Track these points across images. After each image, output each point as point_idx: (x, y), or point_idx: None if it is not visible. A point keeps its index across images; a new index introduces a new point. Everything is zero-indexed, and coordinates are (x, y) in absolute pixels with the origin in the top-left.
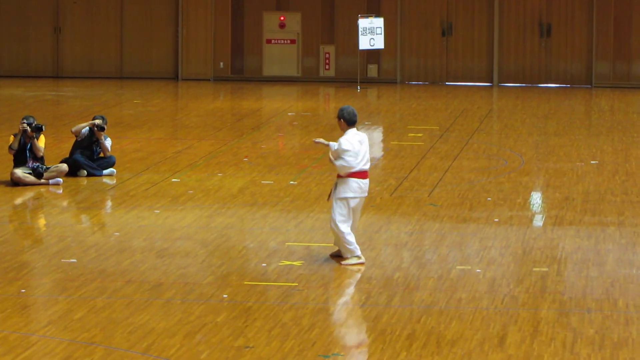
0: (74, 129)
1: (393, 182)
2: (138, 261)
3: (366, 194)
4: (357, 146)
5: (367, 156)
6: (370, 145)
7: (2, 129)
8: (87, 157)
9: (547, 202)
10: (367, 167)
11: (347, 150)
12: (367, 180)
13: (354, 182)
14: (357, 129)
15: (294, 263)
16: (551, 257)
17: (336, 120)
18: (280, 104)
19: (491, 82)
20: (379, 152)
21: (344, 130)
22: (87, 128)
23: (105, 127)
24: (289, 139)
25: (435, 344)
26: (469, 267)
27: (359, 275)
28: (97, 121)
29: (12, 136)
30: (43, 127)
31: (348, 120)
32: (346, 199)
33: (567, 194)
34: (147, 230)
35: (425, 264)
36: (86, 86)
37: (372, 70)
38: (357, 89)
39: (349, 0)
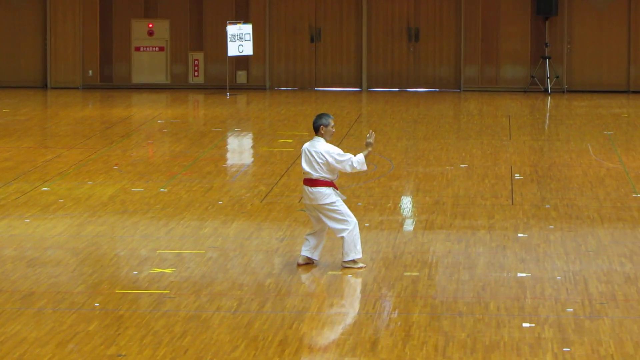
0: None
1: (263, 189)
2: (9, 271)
3: (309, 202)
4: None
5: (306, 163)
6: (240, 152)
7: None
8: None
9: (417, 206)
10: (307, 173)
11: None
12: (309, 189)
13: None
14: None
15: (165, 270)
16: (422, 262)
17: (325, 129)
18: (149, 112)
19: (360, 87)
20: (249, 159)
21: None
22: None
23: None
24: (158, 147)
25: (308, 349)
26: (340, 273)
27: (230, 282)
28: None
29: None
30: None
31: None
32: None
33: (437, 198)
34: (18, 239)
35: (297, 270)
36: None
37: (241, 77)
38: (227, 95)
39: (217, 6)
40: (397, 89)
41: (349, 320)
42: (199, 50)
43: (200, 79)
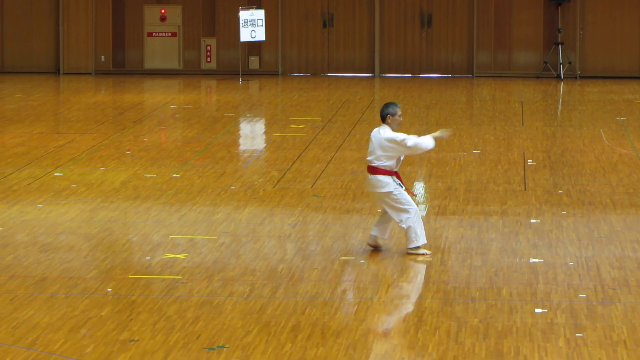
0: None
1: (276, 174)
2: (21, 256)
3: (370, 189)
4: None
5: (371, 150)
6: (253, 137)
7: None
8: None
9: (430, 191)
10: (369, 161)
11: None
12: (368, 175)
13: None
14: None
15: (178, 256)
16: (435, 247)
17: (392, 118)
18: (162, 97)
19: (373, 72)
20: (261, 144)
21: None
22: None
23: None
24: (171, 132)
25: (320, 335)
26: (353, 258)
27: (242, 268)
28: None
29: None
30: None
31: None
32: None
33: (449, 183)
34: (30, 224)
35: (309, 255)
36: None
37: (254, 62)
38: (239, 81)
39: None
40: (409, 75)
41: (362, 305)
42: (211, 35)
43: (212, 65)
